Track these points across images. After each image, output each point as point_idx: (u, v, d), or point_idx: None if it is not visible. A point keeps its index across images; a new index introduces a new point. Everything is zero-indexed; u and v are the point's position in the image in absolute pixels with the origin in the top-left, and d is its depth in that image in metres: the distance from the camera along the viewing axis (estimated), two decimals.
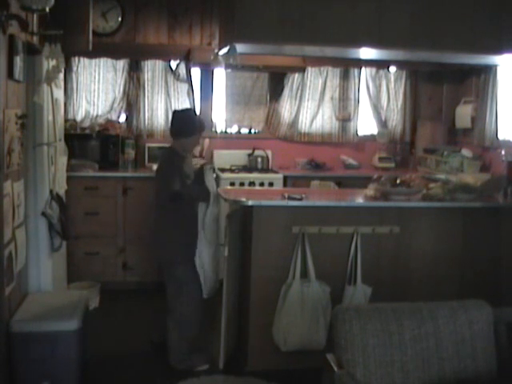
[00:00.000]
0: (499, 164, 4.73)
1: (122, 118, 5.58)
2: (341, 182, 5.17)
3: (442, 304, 2.49)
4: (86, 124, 5.41)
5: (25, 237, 3.46)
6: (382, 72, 5.99)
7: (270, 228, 3.62)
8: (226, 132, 5.93)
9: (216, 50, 4.29)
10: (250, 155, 5.73)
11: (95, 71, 5.44)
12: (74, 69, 5.38)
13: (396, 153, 6.05)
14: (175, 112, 3.78)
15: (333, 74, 5.89)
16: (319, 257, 3.61)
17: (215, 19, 5.40)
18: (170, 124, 3.76)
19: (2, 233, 2.97)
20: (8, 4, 2.90)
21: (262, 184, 5.25)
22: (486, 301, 2.52)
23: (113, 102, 5.50)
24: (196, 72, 5.71)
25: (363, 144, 6.08)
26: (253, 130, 5.95)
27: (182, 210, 3.63)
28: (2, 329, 3.04)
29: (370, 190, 3.88)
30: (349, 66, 5.82)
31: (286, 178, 5.36)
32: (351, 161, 5.88)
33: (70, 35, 3.90)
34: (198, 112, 5.56)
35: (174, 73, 5.56)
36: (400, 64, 5.72)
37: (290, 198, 3.64)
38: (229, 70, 5.64)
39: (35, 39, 3.72)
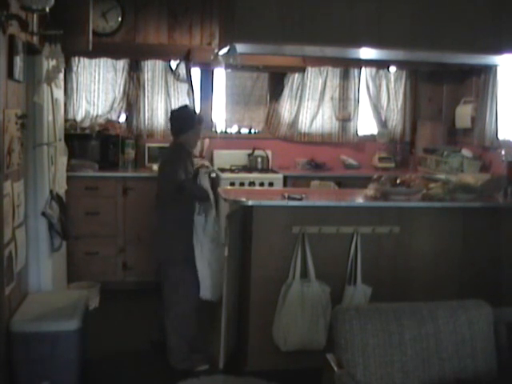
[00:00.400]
0: (499, 164, 4.73)
1: (122, 118, 5.58)
2: (341, 182, 5.17)
3: (442, 304, 2.49)
4: (86, 124, 5.41)
5: (25, 237, 3.46)
6: (382, 72, 5.99)
7: (270, 228, 3.62)
8: (226, 132, 5.93)
9: (216, 50, 4.29)
10: (250, 155, 5.73)
11: (95, 71, 5.44)
12: (74, 69, 5.37)
13: (396, 153, 6.05)
14: (172, 112, 3.92)
15: (333, 74, 5.89)
16: (319, 257, 3.61)
17: (215, 19, 5.40)
18: (169, 125, 3.88)
19: (2, 233, 2.97)
20: (8, 4, 2.90)
21: (262, 184, 5.25)
22: (486, 301, 2.52)
23: (113, 102, 5.50)
24: (196, 72, 5.71)
25: (363, 144, 6.08)
26: (253, 130, 5.95)
27: (182, 208, 3.64)
28: (2, 329, 3.05)
29: (370, 190, 3.88)
30: (349, 66, 5.82)
31: (285, 178, 5.36)
32: (351, 161, 5.88)
33: (70, 35, 3.90)
34: (194, 108, 5.58)
35: (174, 73, 5.56)
36: (400, 64, 5.72)
37: (289, 198, 3.64)
38: (229, 70, 5.64)
39: (35, 39, 3.72)
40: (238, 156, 5.74)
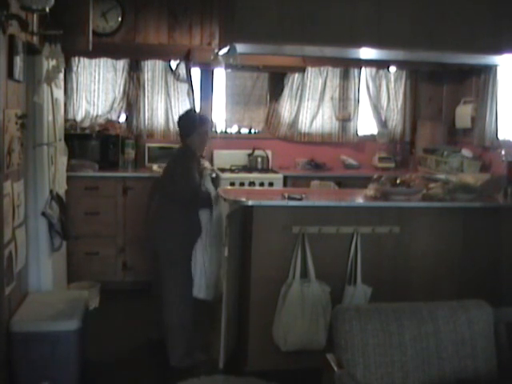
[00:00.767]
0: (499, 164, 4.73)
1: (122, 118, 5.58)
2: (341, 182, 5.17)
3: (442, 304, 2.49)
4: (86, 124, 5.41)
5: (25, 237, 3.46)
6: (381, 72, 5.99)
7: (270, 228, 3.62)
8: (226, 132, 5.93)
9: (216, 50, 4.28)
10: (250, 155, 5.73)
11: (95, 71, 5.45)
12: (74, 69, 5.38)
13: (396, 153, 6.06)
14: (179, 117, 4.00)
15: (333, 74, 5.89)
16: (319, 257, 3.61)
17: (215, 19, 5.40)
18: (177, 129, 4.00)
19: (2, 233, 2.97)
20: (8, 4, 2.90)
21: (262, 184, 5.25)
22: (486, 301, 2.52)
23: (113, 102, 5.50)
24: (196, 72, 5.71)
25: (363, 144, 6.08)
26: (253, 130, 5.95)
27: (188, 210, 3.72)
28: (2, 329, 3.04)
29: (370, 190, 3.88)
30: (349, 65, 5.82)
31: (286, 178, 5.36)
32: (351, 161, 5.88)
33: (70, 35, 3.90)
34: (198, 111, 5.58)
35: (174, 73, 5.56)
36: (400, 64, 5.72)
37: (289, 198, 3.64)
38: (229, 70, 5.64)
39: (35, 39, 3.72)
40: (238, 156, 5.74)
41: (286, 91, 5.85)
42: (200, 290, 3.74)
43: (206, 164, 5.33)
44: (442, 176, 4.68)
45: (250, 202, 3.55)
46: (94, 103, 5.47)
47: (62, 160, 4.29)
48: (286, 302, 3.53)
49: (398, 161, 5.97)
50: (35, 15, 3.59)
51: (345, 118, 5.93)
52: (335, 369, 2.30)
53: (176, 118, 5.51)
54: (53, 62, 3.67)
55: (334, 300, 3.55)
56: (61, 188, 4.18)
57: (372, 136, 6.12)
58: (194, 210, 3.74)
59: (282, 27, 3.53)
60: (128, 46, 5.42)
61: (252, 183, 5.23)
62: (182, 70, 5.56)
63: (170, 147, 5.34)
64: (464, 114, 5.56)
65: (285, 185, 5.32)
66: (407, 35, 3.70)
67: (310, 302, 3.53)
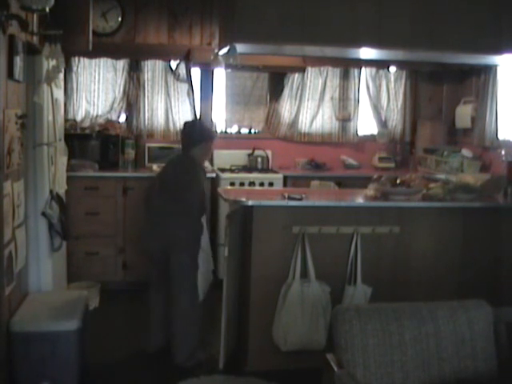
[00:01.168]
0: (499, 164, 4.73)
1: (122, 118, 5.57)
2: (341, 182, 5.17)
3: (442, 304, 2.49)
4: (86, 124, 5.41)
5: (25, 237, 3.46)
6: (381, 72, 5.99)
7: (270, 228, 3.62)
8: (226, 132, 5.93)
9: (216, 50, 4.28)
10: (250, 155, 5.73)
11: (95, 71, 5.44)
12: (74, 69, 5.37)
13: (396, 153, 6.06)
14: (184, 124, 3.99)
15: (333, 74, 5.89)
16: (319, 257, 3.61)
17: (215, 19, 5.40)
18: (180, 137, 3.95)
19: (2, 233, 2.97)
20: (8, 4, 2.90)
21: (262, 184, 5.25)
22: (486, 301, 2.52)
23: (113, 102, 5.50)
24: (196, 72, 5.71)
25: (363, 144, 6.08)
26: (253, 130, 5.95)
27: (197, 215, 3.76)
28: (2, 329, 3.05)
29: (370, 190, 3.88)
30: (349, 65, 5.82)
31: (286, 178, 5.36)
32: (351, 161, 5.88)
33: (70, 35, 3.90)
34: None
35: (174, 73, 5.56)
36: (400, 64, 5.72)
37: (289, 198, 3.64)
38: (229, 70, 5.64)
39: (35, 39, 3.72)
40: (238, 156, 5.74)
41: (286, 91, 5.85)
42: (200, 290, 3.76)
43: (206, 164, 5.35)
44: (442, 176, 4.68)
45: (250, 202, 3.55)
46: (94, 103, 5.47)
47: (62, 160, 4.28)
48: (285, 301, 3.53)
49: (397, 161, 5.97)
50: (35, 15, 3.59)
51: (345, 118, 5.93)
52: (335, 369, 2.30)
53: (176, 118, 5.56)
54: (53, 62, 3.67)
55: (334, 300, 3.55)
56: (61, 188, 4.18)
57: (372, 136, 6.12)
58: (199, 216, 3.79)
59: (281, 27, 3.53)
60: (128, 46, 5.42)
61: (252, 183, 5.23)
62: (182, 70, 5.56)
63: (170, 147, 5.34)
64: (464, 114, 5.56)
65: (285, 185, 5.32)
66: (407, 35, 3.70)
67: (310, 302, 3.53)
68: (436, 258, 3.85)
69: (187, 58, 5.49)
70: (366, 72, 5.96)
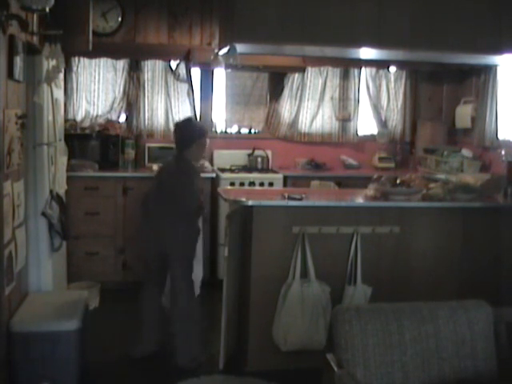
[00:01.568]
0: (499, 164, 4.73)
1: (122, 118, 5.57)
2: (341, 182, 5.17)
3: (442, 304, 2.49)
4: (86, 124, 5.41)
5: (25, 237, 3.46)
6: (381, 72, 5.99)
7: (270, 228, 3.62)
8: (226, 132, 5.93)
9: (216, 50, 4.29)
10: (250, 155, 5.73)
11: (95, 71, 5.44)
12: (74, 69, 5.37)
13: (396, 153, 6.05)
14: (176, 124, 3.95)
15: (333, 74, 5.89)
16: (319, 257, 3.61)
17: (215, 19, 5.40)
18: (173, 137, 3.87)
19: (2, 233, 2.97)
20: (8, 4, 2.90)
21: (262, 184, 5.25)
22: (486, 301, 2.52)
23: (113, 102, 5.50)
24: (196, 72, 5.71)
25: (363, 144, 6.08)
26: (253, 130, 5.95)
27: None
28: (2, 329, 3.04)
29: (370, 190, 3.88)
30: (349, 66, 5.82)
31: (286, 178, 5.36)
32: (351, 161, 5.88)
33: (70, 35, 3.90)
34: (197, 117, 5.60)
35: (174, 73, 5.56)
36: (400, 64, 5.72)
37: (289, 198, 3.64)
38: (229, 70, 5.64)
39: (35, 39, 3.72)
40: (238, 156, 5.74)
41: (286, 91, 5.85)
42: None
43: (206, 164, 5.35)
44: (442, 176, 4.68)
45: (250, 202, 3.55)
46: (94, 103, 5.47)
47: (62, 160, 4.28)
48: (285, 301, 3.53)
49: (397, 161, 5.97)
50: (35, 15, 3.58)
51: (345, 118, 5.93)
52: (335, 369, 2.30)
53: (176, 118, 5.56)
54: (53, 62, 3.67)
55: (334, 300, 3.55)
56: (61, 188, 4.18)
57: (372, 136, 6.12)
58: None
59: (282, 27, 3.54)
60: (128, 46, 5.42)
61: (252, 183, 5.23)
62: (182, 70, 5.56)
63: (170, 147, 5.31)
64: (464, 114, 5.56)
65: (285, 185, 5.32)
66: (407, 35, 3.70)
67: (310, 302, 3.53)
68: (436, 258, 3.85)
69: (187, 58, 5.49)
70: (366, 72, 5.96)
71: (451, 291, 3.74)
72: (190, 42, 5.49)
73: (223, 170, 5.42)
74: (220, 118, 5.97)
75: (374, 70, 5.96)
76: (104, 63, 5.45)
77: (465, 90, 5.71)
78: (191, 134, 3.76)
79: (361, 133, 6.08)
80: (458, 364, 2.38)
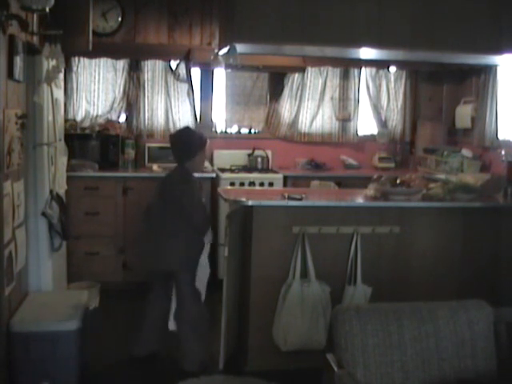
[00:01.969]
0: (499, 164, 4.73)
1: (122, 118, 5.58)
2: (341, 182, 5.17)
3: (442, 304, 2.49)
4: (86, 124, 5.41)
5: (25, 237, 3.46)
6: (381, 72, 5.99)
7: (270, 228, 3.62)
8: (226, 132, 5.93)
9: (216, 50, 4.28)
10: (250, 155, 5.73)
11: (95, 71, 5.44)
12: (74, 69, 5.37)
13: (396, 153, 6.06)
14: (173, 136, 3.78)
15: (333, 74, 5.89)
16: (319, 257, 3.61)
17: (215, 19, 5.40)
18: (171, 148, 3.71)
19: (2, 233, 2.97)
20: (8, 4, 2.90)
21: (262, 184, 5.25)
22: (486, 301, 2.52)
23: (113, 102, 5.50)
24: (196, 72, 5.71)
25: (363, 144, 6.08)
26: (253, 130, 5.95)
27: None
28: (2, 329, 3.04)
29: (370, 190, 3.88)
30: (349, 65, 5.82)
31: (286, 178, 5.36)
32: (351, 161, 5.88)
33: (70, 35, 3.90)
34: (197, 118, 5.60)
35: (174, 73, 5.56)
36: (400, 64, 5.72)
37: (289, 198, 3.64)
38: (229, 70, 5.64)
39: (35, 39, 3.72)
40: (238, 156, 5.74)
41: (286, 91, 5.85)
42: None
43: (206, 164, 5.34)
44: (441, 176, 4.68)
45: (250, 202, 3.55)
46: (94, 103, 5.47)
47: (62, 160, 4.28)
48: (285, 301, 3.53)
49: (397, 161, 5.97)
50: (35, 15, 3.58)
51: (345, 118, 5.93)
52: (335, 369, 2.30)
53: (176, 118, 5.56)
54: (53, 62, 3.67)
55: (334, 300, 3.55)
56: (61, 188, 4.18)
57: (372, 136, 6.12)
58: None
59: (282, 27, 3.53)
60: (128, 46, 5.42)
61: (252, 183, 5.23)
62: (182, 70, 5.56)
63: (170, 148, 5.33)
64: (464, 114, 5.56)
65: (285, 185, 5.32)
66: (407, 35, 3.70)
67: (310, 302, 3.53)
68: (436, 258, 3.85)
69: (187, 58, 5.49)
70: (366, 72, 5.96)
71: (451, 291, 3.74)
72: (190, 41, 5.50)
73: (223, 170, 5.42)
74: (220, 118, 5.97)
75: (374, 69, 5.96)
76: (104, 63, 5.45)
77: (465, 90, 5.71)
78: (193, 147, 3.63)
79: (361, 133, 6.08)
80: (457, 364, 2.38)
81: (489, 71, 5.17)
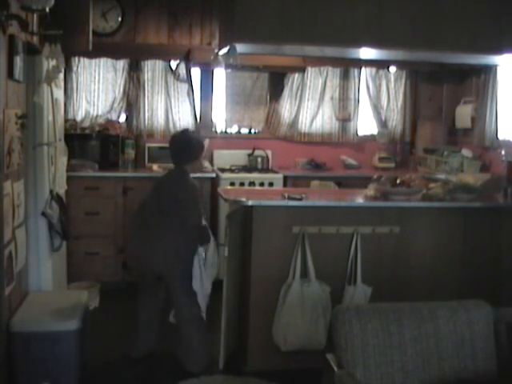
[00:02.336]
0: (499, 164, 4.73)
1: (122, 118, 5.58)
2: (341, 182, 5.17)
3: (442, 304, 2.49)
4: (86, 124, 5.41)
5: (25, 237, 3.46)
6: (381, 72, 5.99)
7: (270, 228, 3.62)
8: (226, 132, 5.93)
9: (216, 50, 4.28)
10: (250, 155, 5.73)
11: (95, 71, 5.44)
12: (74, 69, 5.37)
13: (396, 153, 6.06)
14: (173, 138, 3.77)
15: (333, 74, 5.89)
16: (319, 257, 3.61)
17: (215, 19, 5.40)
18: (170, 151, 3.71)
19: (2, 233, 2.97)
20: (8, 4, 2.90)
21: (262, 184, 5.25)
22: (486, 301, 2.52)
23: (113, 102, 5.50)
24: (196, 72, 5.71)
25: (363, 144, 6.08)
26: (253, 130, 5.95)
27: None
28: (2, 329, 3.05)
29: (370, 190, 3.88)
30: (349, 65, 5.82)
31: (286, 178, 5.36)
32: (351, 161, 5.88)
33: (70, 35, 3.90)
34: (196, 118, 5.59)
35: (174, 73, 5.56)
36: (400, 64, 5.72)
37: (289, 198, 3.64)
38: (229, 70, 5.64)
39: (35, 39, 3.72)
40: (238, 156, 5.74)
41: (286, 91, 5.85)
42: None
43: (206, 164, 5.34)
44: (442, 176, 4.68)
45: (250, 202, 3.55)
46: (94, 103, 5.47)
47: (62, 160, 4.29)
48: (285, 301, 3.53)
49: (397, 161, 5.97)
50: (35, 15, 3.58)
51: (345, 118, 5.93)
52: (335, 369, 2.30)
53: (176, 118, 5.56)
54: (53, 62, 3.66)
55: (334, 300, 3.55)
56: (61, 188, 4.18)
57: (372, 136, 6.12)
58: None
59: (281, 27, 3.53)
60: (128, 46, 5.42)
61: (252, 183, 5.22)
62: (182, 70, 5.56)
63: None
64: (464, 114, 5.56)
65: (285, 185, 5.32)
66: (407, 35, 3.70)
67: (310, 302, 3.53)
68: (436, 258, 3.85)
69: (187, 58, 5.49)
70: (366, 72, 5.96)
71: (451, 291, 3.74)
72: (189, 41, 5.50)
73: (223, 170, 5.42)
74: (220, 118, 5.97)
75: (374, 69, 5.96)
76: (104, 63, 5.45)
77: (465, 90, 5.71)
78: (192, 150, 3.64)
79: (361, 133, 6.08)
80: (457, 364, 2.38)
81: (489, 71, 5.17)
